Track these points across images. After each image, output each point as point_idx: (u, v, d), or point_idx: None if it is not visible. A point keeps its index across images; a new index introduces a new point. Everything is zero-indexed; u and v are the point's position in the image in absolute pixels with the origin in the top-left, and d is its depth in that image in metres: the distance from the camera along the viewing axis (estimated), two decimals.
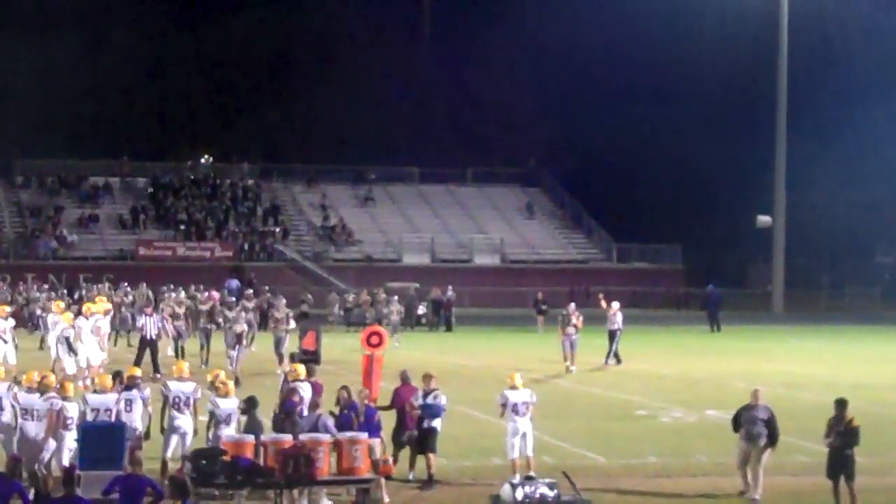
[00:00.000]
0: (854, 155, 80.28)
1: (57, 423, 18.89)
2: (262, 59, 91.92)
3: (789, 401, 30.24)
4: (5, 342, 31.78)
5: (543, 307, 53.70)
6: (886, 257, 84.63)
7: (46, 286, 52.68)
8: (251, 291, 47.91)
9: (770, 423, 19.53)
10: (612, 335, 39.66)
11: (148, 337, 34.10)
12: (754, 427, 19.48)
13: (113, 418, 19.26)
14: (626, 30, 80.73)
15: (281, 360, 34.70)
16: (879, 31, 76.79)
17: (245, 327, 35.10)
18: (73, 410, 19.12)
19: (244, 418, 19.54)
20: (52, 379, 19.77)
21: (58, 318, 32.90)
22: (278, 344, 36.84)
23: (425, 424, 20.84)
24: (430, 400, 20.96)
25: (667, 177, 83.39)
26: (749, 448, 19.57)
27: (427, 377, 21.31)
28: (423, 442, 20.80)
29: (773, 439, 19.56)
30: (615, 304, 40.50)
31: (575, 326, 37.41)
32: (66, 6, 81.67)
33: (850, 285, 78.03)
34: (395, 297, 51.23)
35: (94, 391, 20.25)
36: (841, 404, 19.14)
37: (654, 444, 24.84)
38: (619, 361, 39.32)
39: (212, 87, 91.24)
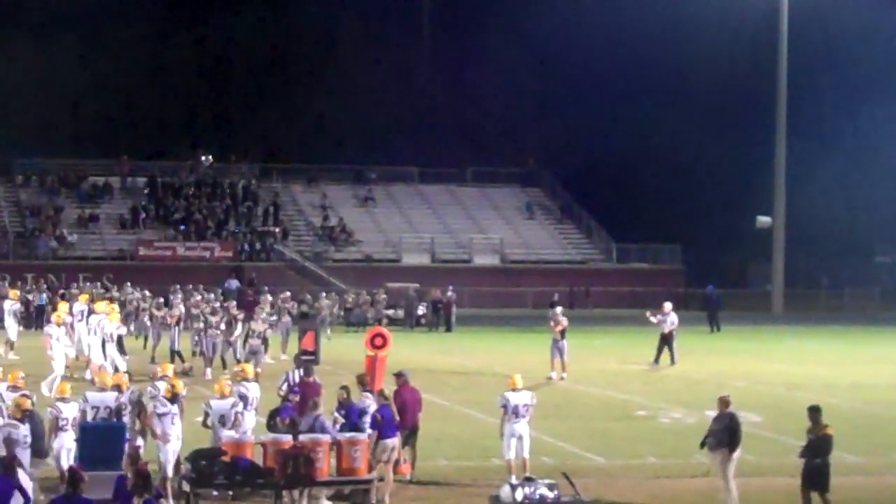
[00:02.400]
0: (854, 155, 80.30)
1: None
2: (262, 59, 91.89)
3: (789, 401, 30.28)
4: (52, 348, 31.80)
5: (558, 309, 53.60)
6: (886, 257, 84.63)
7: (46, 286, 52.76)
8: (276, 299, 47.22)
9: (729, 429, 19.15)
10: (664, 337, 39.35)
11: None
12: (713, 436, 19.35)
13: (113, 417, 19.29)
14: (627, 30, 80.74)
15: (224, 365, 34.33)
16: (879, 31, 76.82)
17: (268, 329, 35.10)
18: (68, 411, 19.09)
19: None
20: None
21: (102, 317, 33.03)
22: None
23: None
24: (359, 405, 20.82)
25: (667, 177, 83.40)
26: (711, 457, 19.42)
27: (359, 378, 21.27)
28: None
29: (731, 444, 19.16)
30: (667, 305, 40.25)
31: (559, 332, 35.92)
32: (66, 6, 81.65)
33: (850, 286, 78.05)
34: (323, 294, 51.13)
35: (96, 389, 20.31)
36: (814, 412, 18.94)
37: (654, 444, 24.85)
38: (673, 362, 39.11)
39: (212, 87, 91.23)
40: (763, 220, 72.04)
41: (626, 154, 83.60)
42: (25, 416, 18.03)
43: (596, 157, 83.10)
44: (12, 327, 39.45)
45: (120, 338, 33.41)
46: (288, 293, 47.90)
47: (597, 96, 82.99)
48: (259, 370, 32.91)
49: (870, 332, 55.82)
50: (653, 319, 40.09)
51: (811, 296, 75.00)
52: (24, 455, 17.47)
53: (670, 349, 39.31)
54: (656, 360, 39.25)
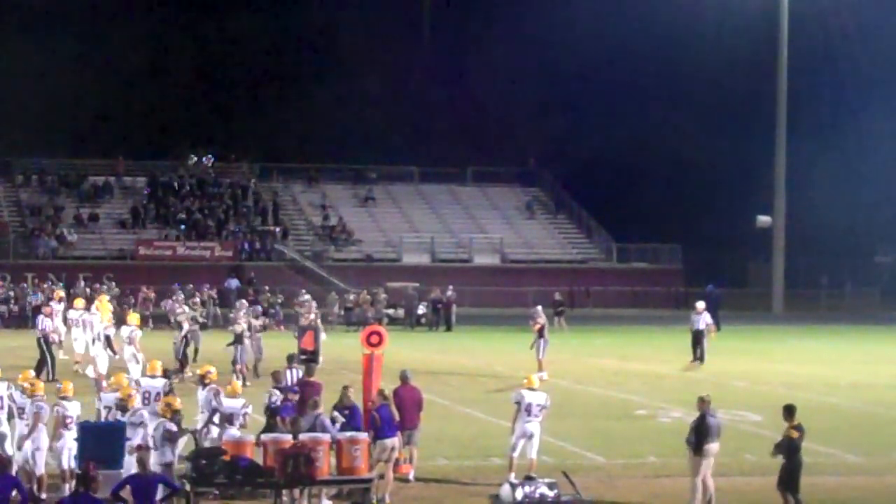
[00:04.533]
0: (854, 155, 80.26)
1: (36, 424, 19.04)
2: (262, 59, 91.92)
3: (789, 400, 30.21)
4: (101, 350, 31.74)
5: (560, 309, 53.61)
6: (886, 257, 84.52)
7: (45, 286, 52.72)
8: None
9: (696, 430, 19.01)
10: (696, 336, 39.26)
11: (42, 338, 32.64)
12: (688, 435, 19.31)
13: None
14: (626, 30, 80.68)
15: (186, 363, 33.89)
16: (879, 30, 76.77)
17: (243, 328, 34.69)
18: (72, 410, 19.16)
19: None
20: (41, 384, 19.99)
21: (97, 316, 33.02)
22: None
23: None
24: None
25: (667, 177, 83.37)
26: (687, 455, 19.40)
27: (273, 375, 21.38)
28: None
29: (696, 445, 19.02)
30: (700, 304, 40.16)
31: (536, 330, 35.61)
32: (66, 6, 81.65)
33: (850, 285, 78.02)
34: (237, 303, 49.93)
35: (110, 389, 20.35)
36: (786, 410, 18.86)
37: (654, 443, 24.86)
38: (702, 361, 38.86)
39: (212, 87, 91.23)
40: (763, 219, 72.04)
41: (626, 154, 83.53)
42: (175, 414, 18.47)
43: (596, 156, 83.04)
44: (60, 327, 39.24)
45: (108, 338, 33.10)
46: (307, 296, 47.70)
47: (597, 96, 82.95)
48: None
49: (870, 332, 55.80)
50: (706, 326, 39.60)
51: (811, 296, 74.93)
52: (167, 450, 18.13)
53: (700, 347, 39.12)
54: (698, 358, 39.07)
